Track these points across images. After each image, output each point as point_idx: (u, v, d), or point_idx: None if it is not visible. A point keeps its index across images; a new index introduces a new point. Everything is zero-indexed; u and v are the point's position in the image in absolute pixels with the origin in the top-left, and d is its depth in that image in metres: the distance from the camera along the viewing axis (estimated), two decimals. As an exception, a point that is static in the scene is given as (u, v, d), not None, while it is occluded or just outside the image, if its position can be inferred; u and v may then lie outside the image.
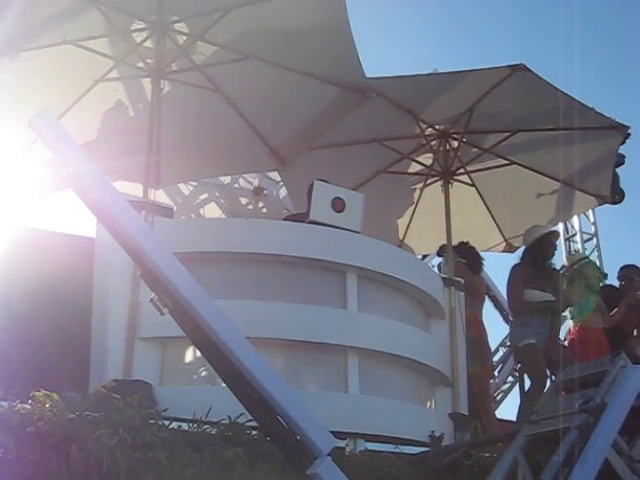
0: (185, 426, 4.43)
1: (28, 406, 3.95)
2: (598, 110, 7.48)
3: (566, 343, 8.04)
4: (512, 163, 8.20)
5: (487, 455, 5.17)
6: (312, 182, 6.99)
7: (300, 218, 6.67)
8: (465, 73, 7.05)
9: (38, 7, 6.36)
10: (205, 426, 4.42)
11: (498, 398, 13.31)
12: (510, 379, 13.98)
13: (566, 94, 6.90)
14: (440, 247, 7.97)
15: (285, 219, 7.64)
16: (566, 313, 8.35)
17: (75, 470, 3.68)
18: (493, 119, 7.68)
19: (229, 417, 4.45)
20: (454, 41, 28.65)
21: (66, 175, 2.82)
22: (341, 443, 5.01)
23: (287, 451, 3.01)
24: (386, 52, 23.72)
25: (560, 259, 15.37)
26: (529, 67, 6.77)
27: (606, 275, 9.39)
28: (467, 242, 8.03)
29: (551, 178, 8.34)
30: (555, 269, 7.78)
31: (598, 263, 13.80)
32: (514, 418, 7.41)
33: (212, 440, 4.26)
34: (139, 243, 2.81)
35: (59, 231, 6.65)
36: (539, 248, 7.41)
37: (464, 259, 7.77)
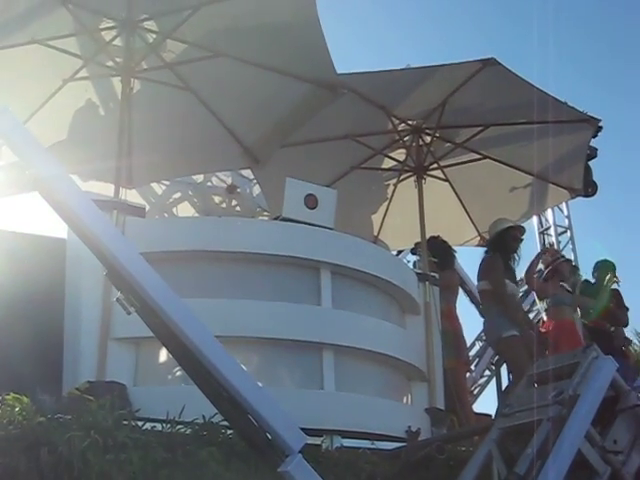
0: (159, 426, 4.39)
1: (-2, 410, 3.91)
2: (570, 104, 7.52)
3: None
4: (485, 157, 8.22)
5: (463, 449, 5.17)
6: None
7: None
8: (436, 68, 7.05)
9: (5, 6, 6.29)
10: (179, 426, 4.38)
11: (475, 392, 13.35)
12: (487, 373, 14.04)
13: (538, 88, 6.92)
14: (414, 245, 7.97)
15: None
16: (539, 306, 8.38)
17: (46, 473, 3.65)
18: (465, 113, 7.68)
19: (203, 417, 4.42)
20: (424, 37, 28.73)
21: (29, 176, 2.78)
22: (317, 440, 5.00)
23: (258, 449, 2.99)
24: (356, 48, 23.77)
25: (535, 252, 15.52)
26: (500, 61, 6.77)
27: (578, 269, 9.47)
28: (438, 236, 8.03)
29: (524, 172, 8.37)
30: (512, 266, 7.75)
31: (572, 256, 13.89)
32: (492, 412, 7.45)
33: (186, 440, 4.24)
34: (104, 243, 2.78)
35: (28, 232, 6.58)
36: (501, 241, 7.45)
37: (435, 254, 7.75)
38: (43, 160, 2.78)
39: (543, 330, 8.13)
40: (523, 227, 7.98)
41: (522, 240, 7.72)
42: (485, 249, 7.72)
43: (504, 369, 7.83)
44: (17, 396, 3.98)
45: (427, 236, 7.68)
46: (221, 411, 3.05)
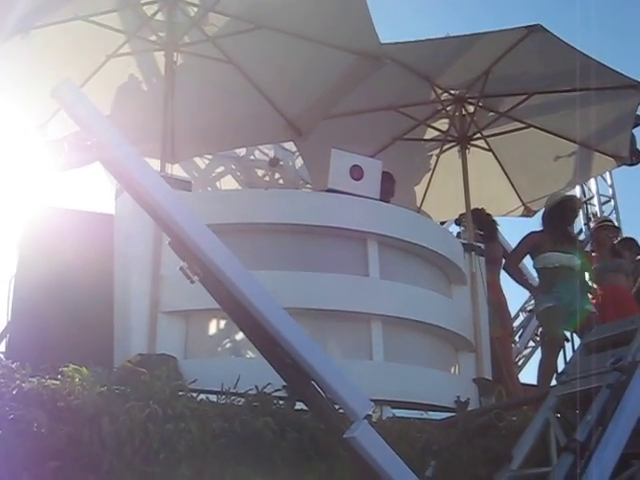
0: (212, 398, 4.43)
1: (57, 381, 3.96)
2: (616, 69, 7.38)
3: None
4: (529, 126, 8.12)
5: (515, 418, 5.15)
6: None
7: None
8: (480, 36, 6.95)
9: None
10: (232, 397, 4.41)
11: (520, 363, 13.29)
12: (531, 344, 13.97)
13: (583, 54, 6.79)
14: (459, 216, 7.91)
15: None
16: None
17: (107, 442, 3.68)
18: (509, 82, 7.58)
19: (256, 387, 4.45)
20: (467, 5, 28.31)
21: (91, 145, 2.79)
22: (369, 410, 5.01)
23: (323, 417, 3.00)
24: (398, 17, 23.48)
25: (578, 221, 15.38)
26: (546, 28, 6.66)
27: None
28: (481, 208, 7.97)
29: (568, 140, 8.24)
30: (574, 234, 7.75)
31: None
32: (534, 382, 7.42)
33: (240, 410, 4.26)
34: (168, 211, 2.79)
35: (77, 209, 6.65)
36: (558, 212, 7.40)
37: (479, 226, 7.71)
38: (106, 130, 2.79)
39: (599, 298, 8.04)
40: (577, 197, 7.89)
41: (577, 214, 7.72)
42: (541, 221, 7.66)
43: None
44: (76, 367, 4.03)
45: (471, 207, 7.63)
46: (285, 379, 3.06)
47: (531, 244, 7.39)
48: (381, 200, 6.35)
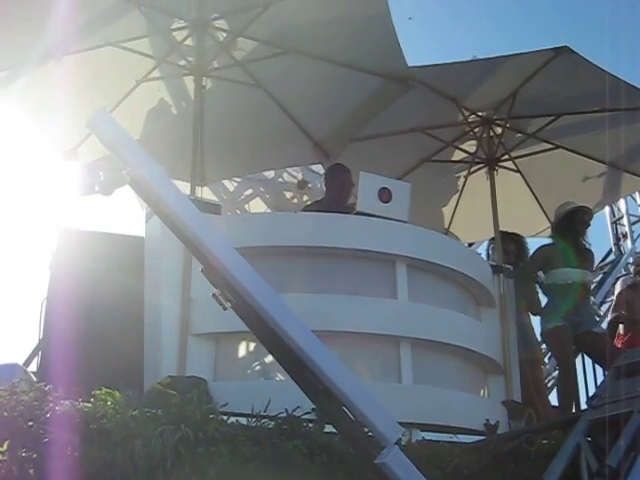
0: (242, 421, 4.44)
1: (90, 404, 4.00)
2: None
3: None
4: (557, 147, 8.09)
5: (545, 442, 5.12)
6: (331, 166, 7.05)
7: (319, 206, 6.68)
8: (507, 58, 6.95)
9: (79, 10, 6.41)
10: (263, 420, 4.42)
11: (549, 385, 13.18)
12: (560, 366, 13.80)
13: (611, 74, 6.78)
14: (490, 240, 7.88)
15: (305, 208, 7.63)
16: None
17: (140, 466, 3.71)
18: (537, 103, 7.57)
19: (286, 410, 4.46)
20: (486, 29, 28.38)
21: (125, 174, 2.84)
22: (398, 434, 5.00)
23: (353, 442, 3.00)
24: (422, 40, 23.57)
25: (607, 242, 15.26)
26: (573, 49, 6.66)
27: None
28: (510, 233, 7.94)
29: (597, 161, 8.22)
30: (588, 247, 7.64)
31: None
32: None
33: (270, 434, 4.27)
34: (201, 239, 2.82)
35: (108, 231, 6.72)
36: (567, 223, 7.36)
37: (510, 249, 7.71)
38: (140, 158, 2.84)
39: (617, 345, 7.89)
40: (589, 209, 7.79)
41: (589, 224, 7.61)
42: (551, 235, 7.64)
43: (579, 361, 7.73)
44: (109, 390, 4.07)
45: (499, 228, 7.61)
46: (316, 403, 3.07)
47: (543, 257, 7.34)
48: (343, 192, 6.43)
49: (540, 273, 7.48)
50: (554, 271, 7.25)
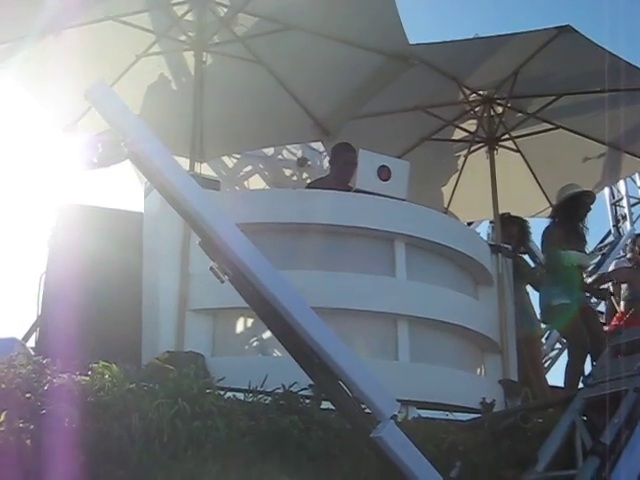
0: (239, 396, 4.46)
1: (87, 378, 4.02)
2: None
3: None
4: (558, 127, 8.07)
5: (540, 420, 5.14)
6: (337, 144, 7.03)
7: (322, 184, 6.67)
8: (509, 37, 6.90)
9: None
10: (259, 395, 4.45)
11: (546, 365, 13.23)
12: (558, 346, 13.88)
13: (613, 54, 6.74)
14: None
15: (308, 186, 7.63)
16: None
17: (137, 439, 3.73)
18: (538, 83, 7.54)
19: (283, 386, 4.47)
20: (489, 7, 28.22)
21: (124, 146, 2.83)
22: (394, 410, 5.02)
23: (349, 416, 3.02)
24: (425, 18, 23.45)
25: (607, 224, 15.25)
26: (575, 28, 6.63)
27: None
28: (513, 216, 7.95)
29: (597, 141, 8.20)
30: (585, 231, 7.66)
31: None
32: (562, 384, 7.39)
33: (267, 409, 4.29)
34: (199, 211, 2.82)
35: (106, 206, 6.72)
36: (571, 206, 7.36)
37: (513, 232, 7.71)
38: (138, 129, 2.83)
39: (614, 323, 7.91)
40: (593, 193, 7.78)
41: (590, 208, 7.61)
42: (552, 216, 7.63)
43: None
44: (106, 364, 4.08)
45: (499, 207, 7.61)
46: (313, 378, 3.08)
47: (558, 240, 7.34)
48: (345, 170, 6.42)
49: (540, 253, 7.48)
50: (564, 252, 7.25)
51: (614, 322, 7.90)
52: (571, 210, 7.38)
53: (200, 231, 2.85)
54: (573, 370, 7.02)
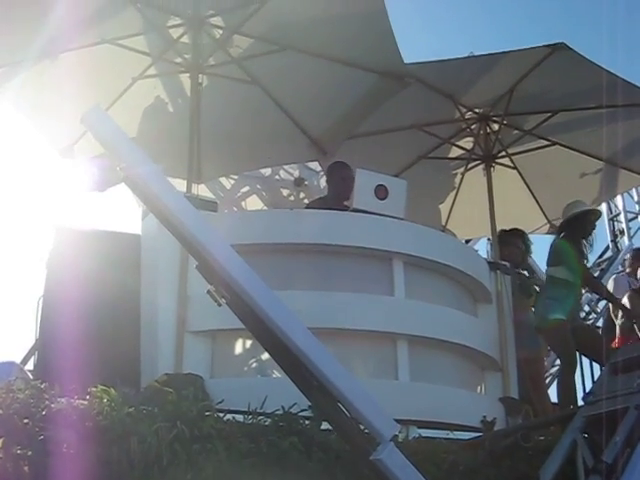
0: (239, 418, 4.44)
1: (86, 402, 4.00)
2: (640, 85, 7.34)
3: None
4: (554, 144, 8.10)
5: (542, 438, 5.12)
6: (333, 163, 7.05)
7: (321, 203, 6.67)
8: (504, 55, 6.94)
9: (75, 8, 6.40)
10: (259, 417, 4.43)
11: (547, 381, 13.18)
12: (558, 362, 13.82)
13: (608, 71, 6.76)
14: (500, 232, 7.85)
15: (307, 206, 7.64)
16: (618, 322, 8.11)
17: (136, 463, 3.71)
18: (533, 100, 7.57)
19: (283, 408, 4.45)
20: (483, 25, 28.37)
21: (119, 170, 2.84)
22: (394, 431, 4.99)
23: (349, 438, 3.01)
24: (420, 37, 23.58)
25: (604, 239, 15.26)
26: (570, 46, 6.65)
27: None
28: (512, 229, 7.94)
29: (594, 157, 8.22)
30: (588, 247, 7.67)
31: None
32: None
33: (267, 430, 4.27)
34: (196, 235, 2.82)
35: (104, 229, 6.72)
36: (579, 223, 7.35)
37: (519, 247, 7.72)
38: (134, 155, 2.83)
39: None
40: (599, 211, 7.78)
41: (595, 226, 7.60)
42: (558, 232, 7.62)
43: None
44: (105, 388, 4.06)
45: (496, 225, 7.61)
46: (311, 400, 3.08)
47: (570, 250, 7.33)
48: (343, 186, 6.42)
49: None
50: (565, 267, 7.24)
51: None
52: (578, 227, 7.35)
53: (196, 254, 2.85)
54: (564, 387, 6.97)
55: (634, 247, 10.47)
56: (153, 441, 3.78)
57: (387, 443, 2.85)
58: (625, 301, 7.84)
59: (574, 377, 7.00)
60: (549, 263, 7.42)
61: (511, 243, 7.54)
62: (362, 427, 3.01)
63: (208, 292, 2.87)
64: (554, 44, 6.67)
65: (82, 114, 2.87)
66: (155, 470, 3.74)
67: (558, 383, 7.10)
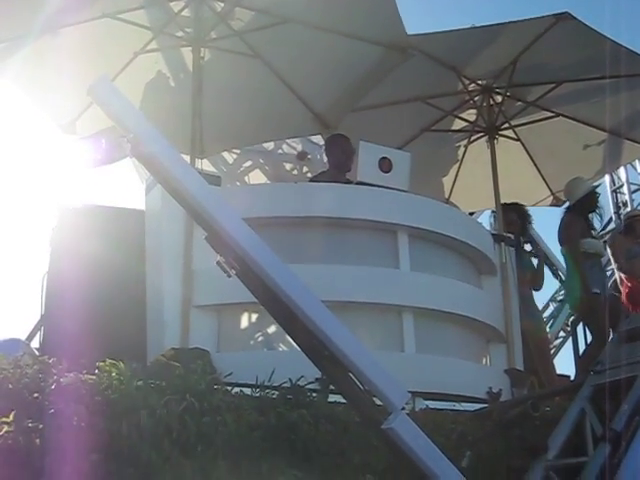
0: (246, 391, 4.46)
1: (94, 376, 4.01)
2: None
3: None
4: (558, 115, 8.05)
5: (548, 409, 5.13)
6: (331, 135, 7.02)
7: (324, 177, 6.66)
8: (507, 25, 6.87)
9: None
10: (267, 390, 4.44)
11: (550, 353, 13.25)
12: (562, 334, 13.90)
13: (613, 41, 6.71)
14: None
15: (311, 180, 7.62)
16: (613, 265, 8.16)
17: (146, 436, 3.72)
18: (537, 71, 7.51)
19: (290, 380, 4.47)
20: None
21: (127, 141, 2.82)
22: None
23: (359, 408, 3.01)
24: (420, 11, 23.38)
25: (607, 210, 15.26)
26: (574, 15, 6.60)
27: None
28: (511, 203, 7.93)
29: (598, 128, 8.18)
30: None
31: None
32: (566, 372, 7.40)
33: (275, 403, 4.29)
34: (205, 206, 2.81)
35: (108, 205, 6.71)
36: (590, 201, 7.40)
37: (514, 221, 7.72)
38: (143, 126, 2.82)
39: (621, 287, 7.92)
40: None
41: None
42: (567, 207, 7.64)
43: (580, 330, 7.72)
44: (113, 362, 4.07)
45: (500, 197, 7.59)
46: (322, 370, 3.08)
47: (580, 229, 7.39)
48: (344, 158, 6.46)
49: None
50: (583, 240, 7.30)
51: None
52: (588, 203, 7.44)
53: (206, 226, 2.84)
54: (591, 359, 6.98)
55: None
56: (163, 414, 3.80)
57: (398, 412, 2.86)
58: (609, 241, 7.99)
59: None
60: (562, 241, 7.46)
61: (505, 217, 7.52)
62: (372, 397, 3.01)
63: (217, 263, 2.86)
64: (558, 14, 6.61)
65: (89, 85, 2.84)
66: (165, 442, 3.76)
67: (584, 354, 7.11)
